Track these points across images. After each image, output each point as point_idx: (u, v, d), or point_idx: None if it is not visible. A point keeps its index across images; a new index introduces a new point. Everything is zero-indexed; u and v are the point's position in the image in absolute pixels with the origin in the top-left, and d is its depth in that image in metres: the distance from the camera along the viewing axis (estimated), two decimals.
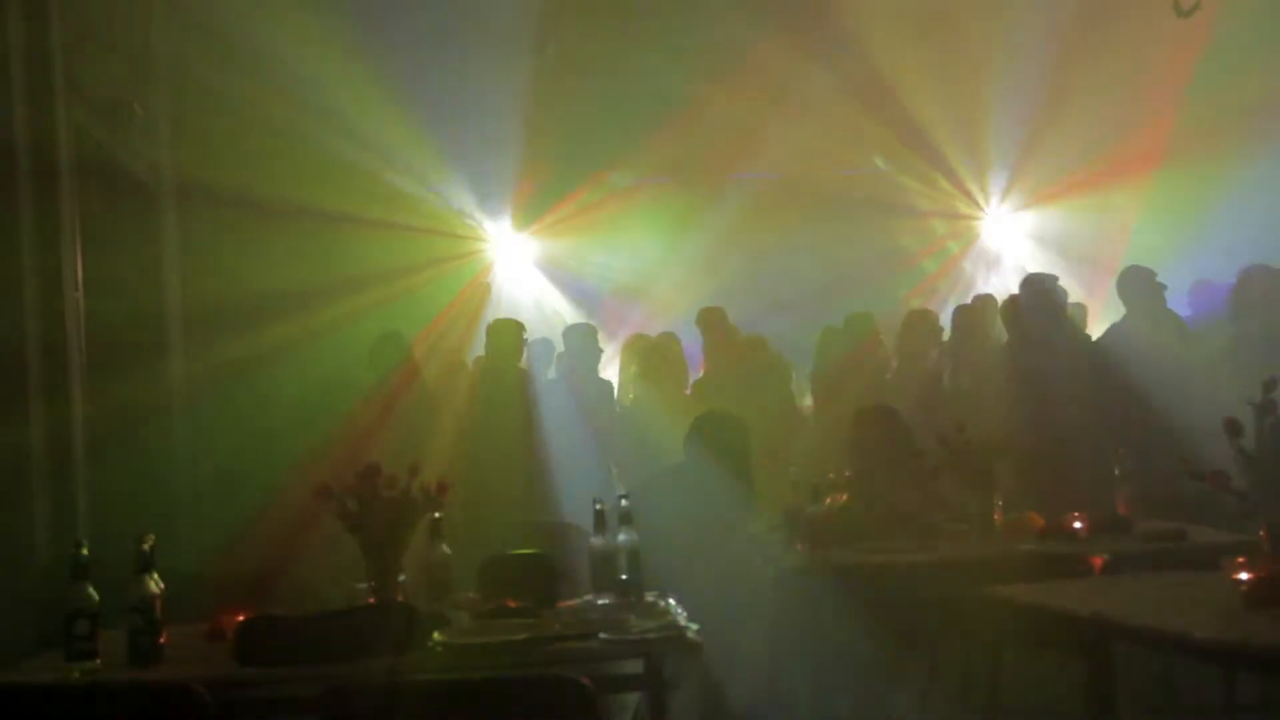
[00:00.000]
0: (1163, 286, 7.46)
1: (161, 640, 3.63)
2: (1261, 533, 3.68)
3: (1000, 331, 7.61)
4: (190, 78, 7.98)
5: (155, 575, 3.64)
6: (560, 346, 8.78)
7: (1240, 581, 3.70)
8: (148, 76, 7.54)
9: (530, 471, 7.21)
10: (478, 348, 8.67)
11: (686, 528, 5.31)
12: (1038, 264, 10.34)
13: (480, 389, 7.78)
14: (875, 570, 5.04)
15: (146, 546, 3.64)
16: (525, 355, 8.06)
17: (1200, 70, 8.90)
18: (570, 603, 4.23)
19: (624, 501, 4.35)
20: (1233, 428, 3.66)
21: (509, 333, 7.92)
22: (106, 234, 6.81)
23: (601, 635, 3.69)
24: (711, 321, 8.62)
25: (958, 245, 11.83)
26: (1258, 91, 8.82)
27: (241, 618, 3.74)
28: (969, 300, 8.61)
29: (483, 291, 11.07)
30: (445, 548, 4.38)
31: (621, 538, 4.23)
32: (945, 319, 8.30)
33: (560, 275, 11.41)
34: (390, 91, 8.96)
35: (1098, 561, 4.95)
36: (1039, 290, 7.17)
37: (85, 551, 3.60)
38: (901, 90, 9.71)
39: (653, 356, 8.25)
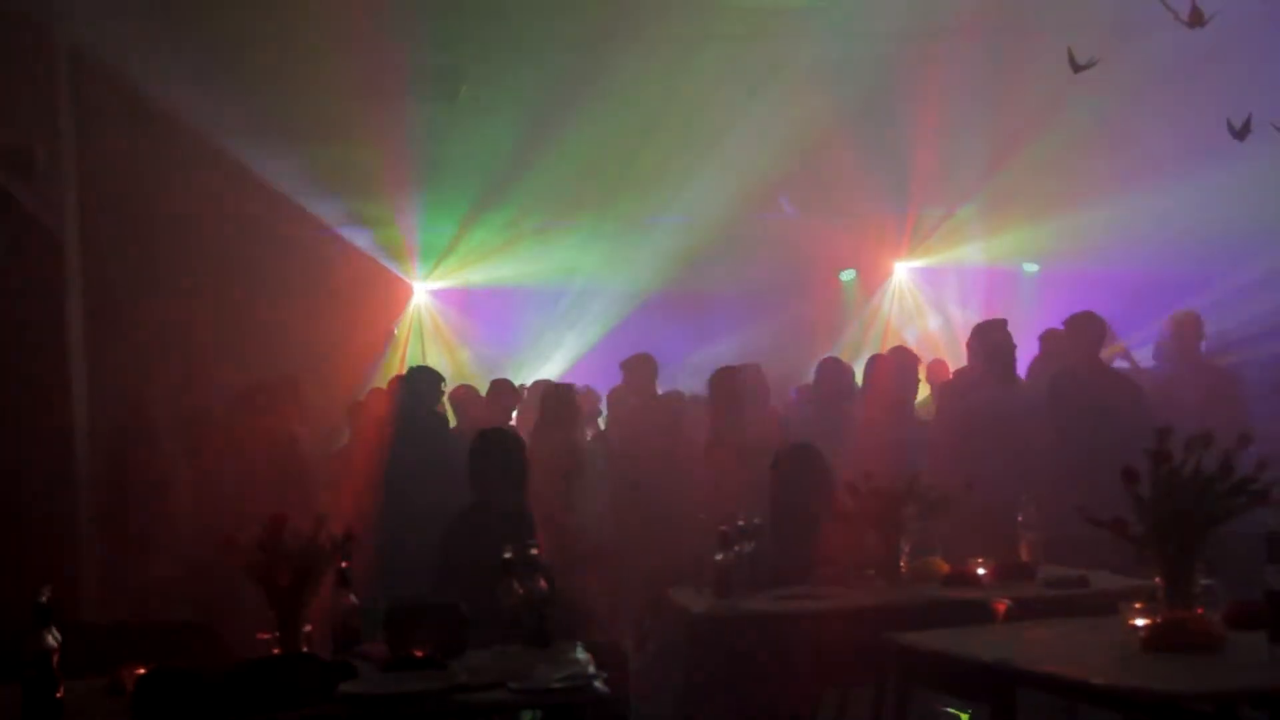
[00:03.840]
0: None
1: (59, 695, 3.55)
2: (1157, 579, 3.76)
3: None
4: (96, 127, 7.90)
5: (53, 628, 3.57)
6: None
7: (1138, 627, 3.78)
8: (54, 125, 7.45)
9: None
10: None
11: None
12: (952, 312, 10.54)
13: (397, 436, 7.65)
14: (783, 617, 5.08)
15: (44, 599, 3.57)
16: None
17: (1105, 116, 9.09)
18: (479, 652, 4.20)
19: (533, 549, 4.34)
20: (1129, 475, 3.73)
21: (426, 380, 7.83)
22: (9, 280, 6.71)
23: (510, 685, 3.67)
24: (633, 367, 8.64)
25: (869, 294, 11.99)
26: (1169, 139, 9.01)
27: (141, 671, 3.68)
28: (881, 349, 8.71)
29: (391, 339, 11.02)
30: (352, 596, 4.33)
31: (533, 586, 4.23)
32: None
33: (469, 320, 11.39)
34: (301, 141, 8.94)
35: (1001, 607, 5.01)
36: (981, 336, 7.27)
37: None
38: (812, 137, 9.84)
39: (550, 401, 8.21)
